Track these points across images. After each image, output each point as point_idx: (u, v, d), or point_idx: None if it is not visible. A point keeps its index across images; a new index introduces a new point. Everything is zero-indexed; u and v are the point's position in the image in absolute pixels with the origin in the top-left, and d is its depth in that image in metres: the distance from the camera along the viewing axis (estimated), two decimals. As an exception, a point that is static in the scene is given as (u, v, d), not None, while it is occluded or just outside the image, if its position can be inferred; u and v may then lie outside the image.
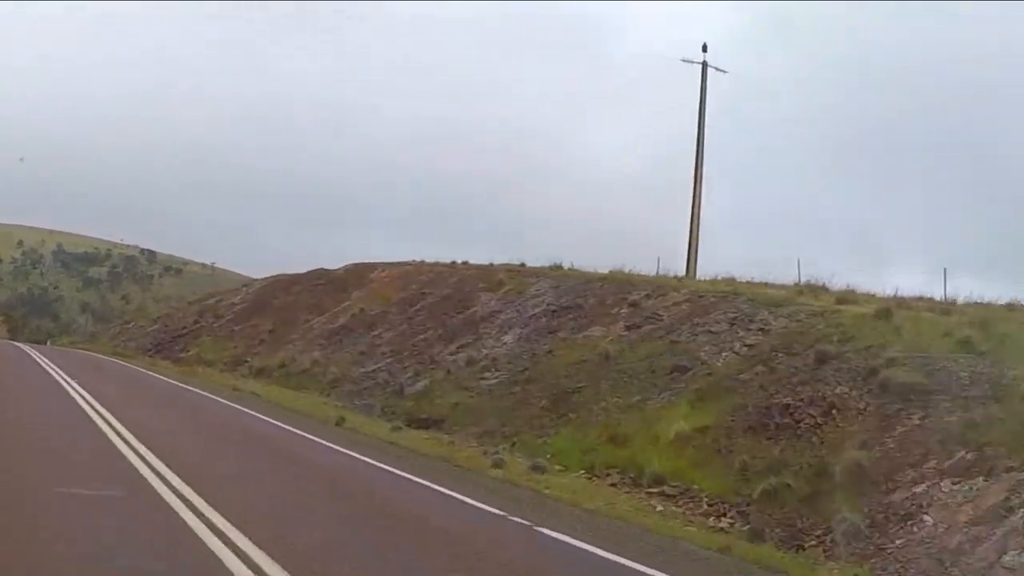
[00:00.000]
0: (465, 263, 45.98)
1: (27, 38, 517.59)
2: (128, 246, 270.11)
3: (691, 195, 43.58)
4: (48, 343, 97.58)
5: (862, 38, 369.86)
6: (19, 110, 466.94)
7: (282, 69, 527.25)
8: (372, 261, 52.36)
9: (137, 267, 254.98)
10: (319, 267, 56.29)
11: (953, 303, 26.08)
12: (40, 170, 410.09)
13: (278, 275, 61.25)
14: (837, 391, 19.17)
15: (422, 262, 48.47)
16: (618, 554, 11.75)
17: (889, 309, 23.13)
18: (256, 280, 66.22)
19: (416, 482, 16.57)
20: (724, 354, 24.04)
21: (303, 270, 58.50)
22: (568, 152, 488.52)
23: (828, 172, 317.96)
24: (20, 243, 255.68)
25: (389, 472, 17.57)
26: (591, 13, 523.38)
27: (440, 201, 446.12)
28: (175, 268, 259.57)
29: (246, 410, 27.50)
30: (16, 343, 69.63)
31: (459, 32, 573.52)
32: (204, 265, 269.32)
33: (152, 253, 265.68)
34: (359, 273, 50.64)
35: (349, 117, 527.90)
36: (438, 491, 15.79)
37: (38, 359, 38.22)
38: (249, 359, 43.68)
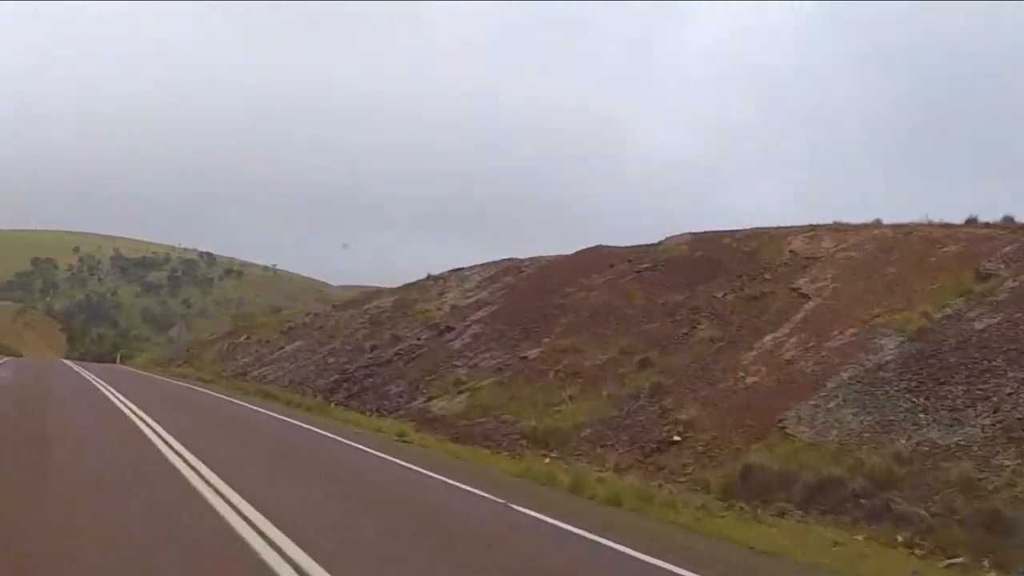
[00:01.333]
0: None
1: (79, 41, 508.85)
2: (186, 249, 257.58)
3: None
4: (118, 359, 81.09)
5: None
6: (73, 115, 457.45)
7: (339, 73, 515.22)
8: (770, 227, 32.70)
9: (197, 270, 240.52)
10: (596, 244, 37.82)
11: None
12: (93, 176, 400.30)
13: (506, 261, 42.23)
14: None
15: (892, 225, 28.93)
16: None
17: None
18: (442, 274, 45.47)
19: None
20: None
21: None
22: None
23: None
24: (76, 249, 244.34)
25: None
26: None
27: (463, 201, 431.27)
28: (236, 271, 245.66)
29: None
30: (78, 365, 53.53)
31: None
32: (266, 268, 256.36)
33: (211, 256, 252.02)
34: (767, 249, 30.68)
35: (392, 121, 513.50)
36: None
37: (163, 436, 18.28)
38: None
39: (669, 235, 35.53)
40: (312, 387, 33.97)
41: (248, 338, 55.12)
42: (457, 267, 45.15)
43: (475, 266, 43.65)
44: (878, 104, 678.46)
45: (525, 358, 27.21)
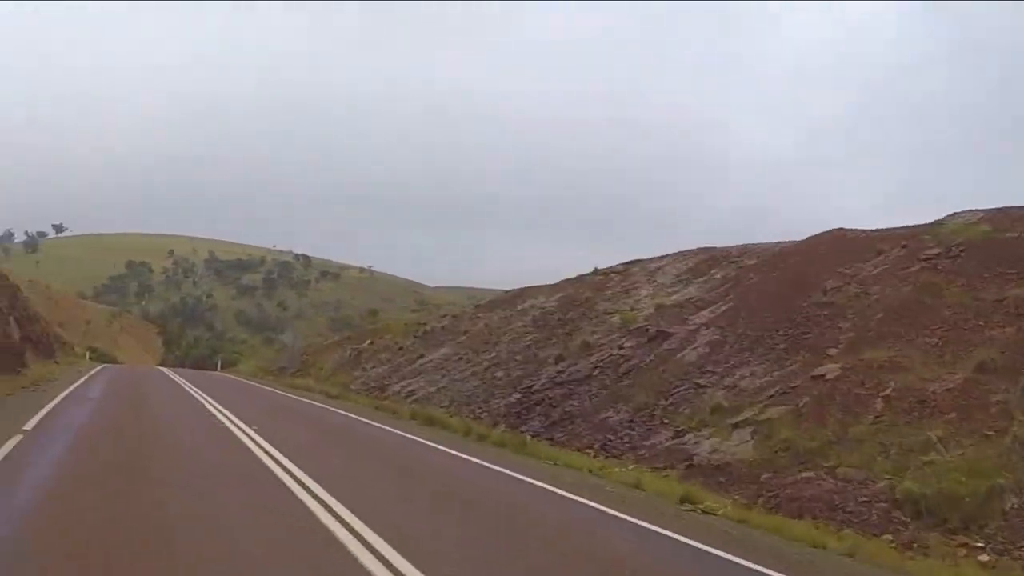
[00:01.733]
0: None
1: (181, 40, 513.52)
2: (282, 252, 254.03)
3: None
4: (219, 366, 74.63)
5: None
6: (168, 119, 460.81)
7: (443, 74, 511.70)
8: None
9: (292, 273, 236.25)
10: (836, 228, 28.89)
11: None
12: (188, 179, 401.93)
13: (703, 251, 33.81)
14: None
15: None
16: None
17: None
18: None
19: None
20: None
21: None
22: None
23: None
24: (171, 252, 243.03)
25: None
26: None
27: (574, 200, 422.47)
28: (332, 273, 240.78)
29: None
30: (176, 374, 46.71)
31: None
32: (361, 269, 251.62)
33: (307, 258, 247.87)
34: None
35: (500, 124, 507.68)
36: None
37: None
38: None
39: (954, 212, 26.82)
40: (486, 409, 25.88)
41: (373, 343, 47.52)
42: (632, 259, 36.90)
43: (662, 257, 35.27)
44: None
45: (820, 378, 18.72)
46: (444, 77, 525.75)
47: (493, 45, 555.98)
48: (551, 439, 20.94)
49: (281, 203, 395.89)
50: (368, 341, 48.52)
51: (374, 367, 41.28)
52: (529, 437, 20.75)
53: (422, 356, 38.16)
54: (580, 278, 38.17)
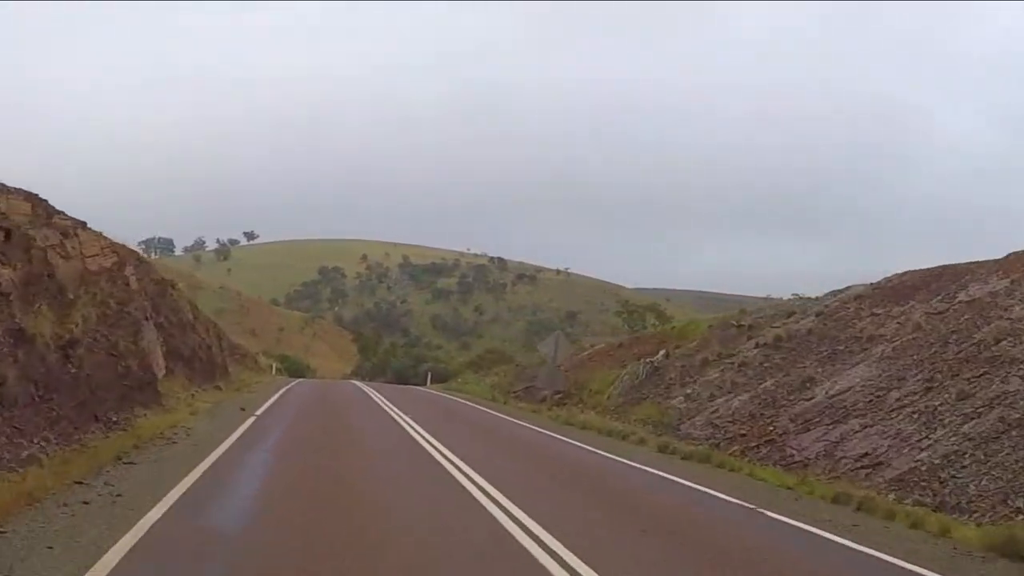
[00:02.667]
0: None
1: (365, 45, 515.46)
2: (476, 255, 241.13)
3: None
4: (428, 381, 59.37)
5: None
6: (357, 123, 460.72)
7: (633, 72, 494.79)
8: None
9: (488, 276, 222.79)
10: None
11: None
12: (379, 184, 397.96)
13: None
14: None
15: None
16: None
17: None
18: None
19: None
20: None
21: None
22: None
23: None
24: (364, 257, 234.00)
25: None
26: None
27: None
28: (528, 275, 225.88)
29: None
30: (383, 397, 32.07)
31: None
32: (558, 271, 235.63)
33: (502, 261, 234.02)
34: None
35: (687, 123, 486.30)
36: None
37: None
38: None
39: None
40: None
41: (669, 355, 30.18)
42: None
43: None
44: None
45: None
46: (641, 72, 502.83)
47: (683, 41, 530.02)
48: None
49: (474, 206, 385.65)
50: (662, 352, 31.08)
51: (713, 396, 23.79)
52: None
53: (812, 380, 20.40)
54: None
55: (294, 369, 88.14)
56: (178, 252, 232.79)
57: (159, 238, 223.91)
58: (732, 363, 25.44)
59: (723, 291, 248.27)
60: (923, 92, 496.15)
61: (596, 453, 18.75)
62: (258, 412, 20.82)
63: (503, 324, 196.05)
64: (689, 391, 24.82)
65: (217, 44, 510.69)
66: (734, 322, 30.47)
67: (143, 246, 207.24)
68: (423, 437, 18.08)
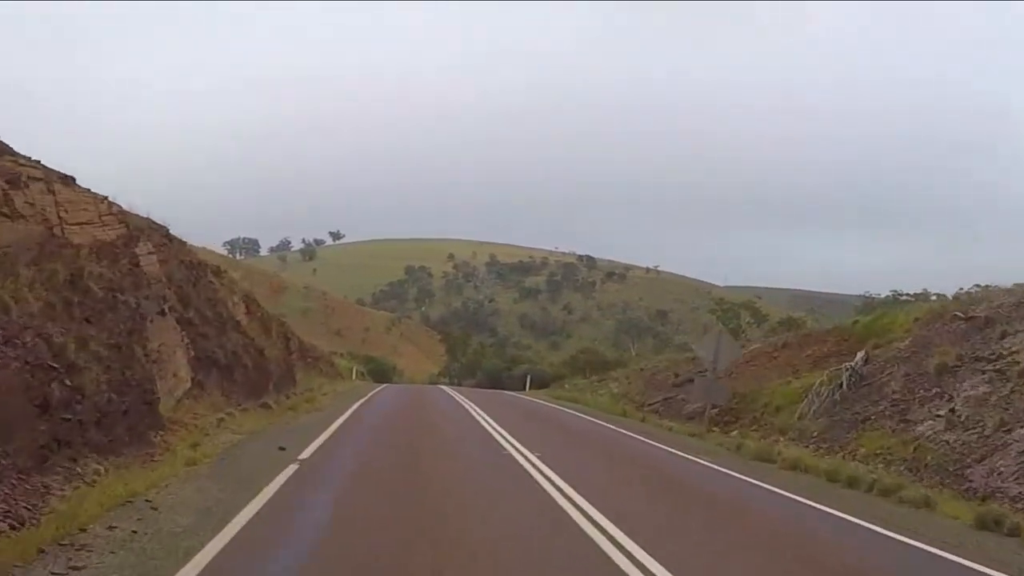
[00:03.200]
0: None
1: (437, 37, 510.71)
2: (564, 253, 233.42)
3: None
4: (528, 384, 51.83)
5: None
6: (439, 122, 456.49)
7: (708, 67, 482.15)
8: None
9: (576, 274, 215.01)
10: None
11: None
12: (465, 183, 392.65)
13: None
14: None
15: None
16: None
17: None
18: None
19: None
20: None
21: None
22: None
23: None
24: (451, 256, 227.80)
25: None
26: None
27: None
28: (617, 274, 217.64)
29: None
30: (481, 411, 25.83)
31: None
32: (647, 269, 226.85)
33: (591, 259, 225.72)
34: None
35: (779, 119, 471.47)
36: None
37: None
38: None
39: None
40: None
41: (869, 358, 21.99)
42: None
43: None
44: None
45: None
46: (724, 70, 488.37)
47: (761, 37, 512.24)
48: None
49: (561, 204, 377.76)
50: (860, 355, 22.85)
51: (1005, 423, 15.48)
52: None
53: None
54: None
55: (379, 372, 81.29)
56: (263, 253, 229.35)
57: (244, 239, 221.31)
58: (999, 370, 17.20)
59: (816, 289, 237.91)
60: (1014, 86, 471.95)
61: (871, 531, 10.83)
62: (306, 454, 13.20)
63: (592, 323, 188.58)
64: (943, 412, 16.66)
65: (301, 44, 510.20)
66: (960, 313, 22.05)
67: (228, 247, 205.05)
68: (574, 502, 10.46)
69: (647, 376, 33.48)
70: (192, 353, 17.13)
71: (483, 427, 19.81)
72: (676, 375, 29.25)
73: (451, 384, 68.84)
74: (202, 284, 20.56)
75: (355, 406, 24.20)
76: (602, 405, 30.13)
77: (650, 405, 27.44)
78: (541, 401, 34.71)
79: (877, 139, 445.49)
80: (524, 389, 49.75)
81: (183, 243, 21.24)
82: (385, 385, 44.81)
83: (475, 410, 25.17)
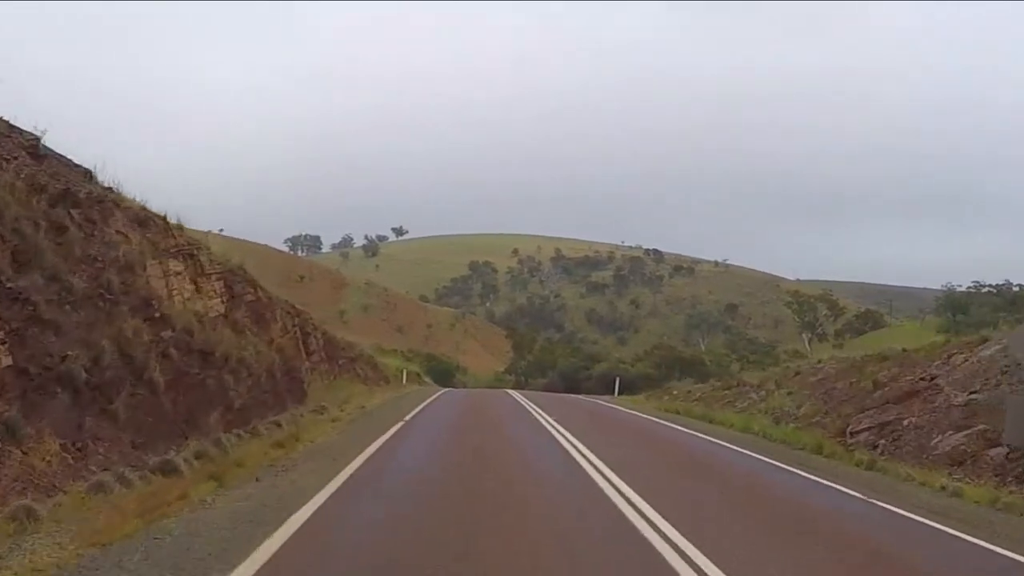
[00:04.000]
0: None
1: (500, 34, 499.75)
2: (631, 247, 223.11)
3: None
4: (617, 389, 41.19)
5: None
6: (505, 116, 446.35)
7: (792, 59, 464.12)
8: None
9: (644, 269, 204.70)
10: None
11: None
12: (529, 177, 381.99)
13: None
14: None
15: None
16: None
17: None
18: None
19: None
20: None
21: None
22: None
23: None
24: (515, 251, 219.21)
25: None
26: None
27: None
28: (686, 267, 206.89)
29: None
30: (573, 439, 15.87)
31: None
32: (716, 263, 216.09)
33: (658, 253, 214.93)
34: None
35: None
36: None
37: None
38: None
39: None
40: None
41: None
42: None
43: None
44: None
45: None
46: (795, 61, 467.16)
47: (838, 29, 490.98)
48: None
49: (626, 198, 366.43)
50: None
51: None
52: None
53: None
54: None
55: (440, 372, 71.79)
56: (325, 249, 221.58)
57: (306, 235, 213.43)
58: None
59: (886, 282, 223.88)
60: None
61: None
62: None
63: (661, 318, 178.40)
64: None
65: (366, 42, 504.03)
66: None
67: (288, 243, 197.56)
68: None
69: (814, 382, 22.32)
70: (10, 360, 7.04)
71: (607, 497, 9.52)
72: (876, 384, 18.38)
73: (519, 386, 58.33)
74: (95, 237, 10.42)
75: (393, 430, 14.43)
76: (770, 432, 19.05)
77: (854, 435, 16.62)
78: (653, 418, 23.97)
79: (953, 129, 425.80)
80: (613, 394, 39.26)
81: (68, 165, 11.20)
82: (441, 392, 34.85)
83: (571, 442, 14.83)
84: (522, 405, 26.79)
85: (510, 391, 40.71)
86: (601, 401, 33.37)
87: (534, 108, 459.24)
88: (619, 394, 39.86)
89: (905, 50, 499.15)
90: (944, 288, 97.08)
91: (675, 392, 33.47)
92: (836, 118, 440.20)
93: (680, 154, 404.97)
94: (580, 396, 39.15)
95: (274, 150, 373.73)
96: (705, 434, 19.67)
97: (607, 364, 57.31)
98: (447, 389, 39.95)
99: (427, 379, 52.76)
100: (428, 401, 26.42)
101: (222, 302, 15.61)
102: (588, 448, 14.19)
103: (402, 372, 40.75)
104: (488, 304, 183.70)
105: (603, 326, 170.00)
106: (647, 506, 9.05)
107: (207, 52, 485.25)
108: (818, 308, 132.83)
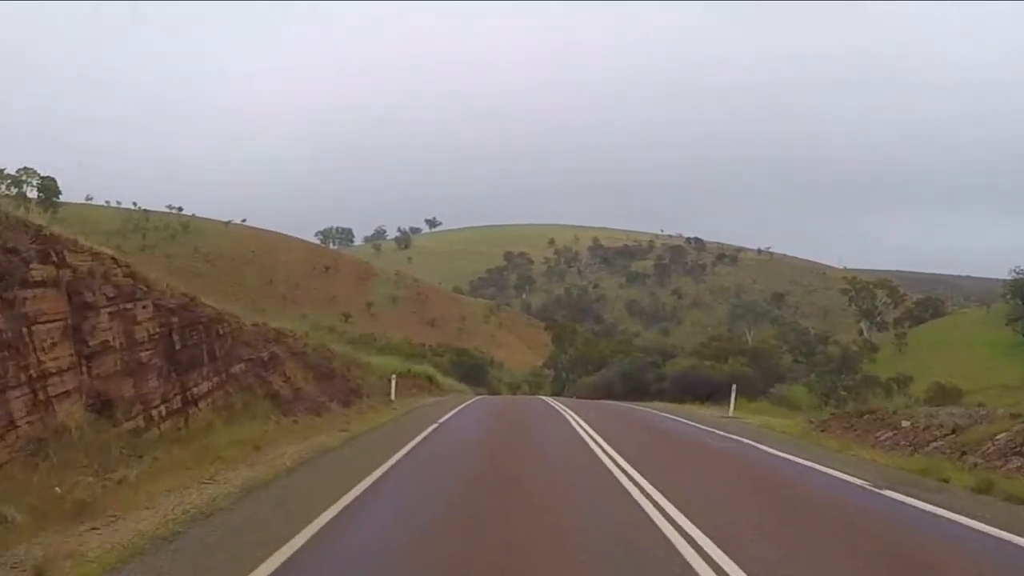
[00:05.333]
0: None
1: (539, 20, 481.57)
2: (672, 236, 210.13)
3: None
4: (733, 404, 25.91)
5: None
6: (539, 107, 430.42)
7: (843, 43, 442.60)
8: None
9: (685, 257, 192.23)
10: None
11: None
12: (563, 167, 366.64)
13: None
14: None
15: None
16: None
17: None
18: None
19: None
20: None
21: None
22: None
23: None
24: (551, 242, 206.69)
25: None
26: None
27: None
28: (729, 256, 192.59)
29: None
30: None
31: None
32: (759, 251, 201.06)
33: (700, 242, 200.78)
34: None
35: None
36: None
37: None
38: None
39: None
40: None
41: None
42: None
43: None
44: None
45: None
46: (839, 47, 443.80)
47: (883, 12, 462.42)
48: None
49: (665, 187, 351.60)
50: None
51: None
52: None
53: None
54: None
55: (470, 369, 58.41)
56: (357, 242, 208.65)
57: (337, 228, 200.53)
58: None
59: (933, 271, 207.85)
60: None
61: None
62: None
63: (705, 308, 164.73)
64: None
65: (399, 33, 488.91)
66: None
67: (320, 236, 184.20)
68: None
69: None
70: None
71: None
72: None
73: (560, 384, 43.46)
74: None
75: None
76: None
77: None
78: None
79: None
80: (727, 408, 24.02)
81: None
82: (448, 416, 19.13)
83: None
84: (600, 460, 11.50)
85: (562, 408, 25.00)
86: (750, 441, 16.58)
87: (571, 98, 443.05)
88: (734, 410, 24.74)
89: (958, 35, 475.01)
90: (1015, 272, 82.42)
91: (895, 416, 15.40)
92: (876, 106, 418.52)
93: (720, 142, 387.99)
94: (671, 415, 23.83)
95: (305, 143, 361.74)
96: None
97: (688, 362, 40.53)
98: (466, 404, 25.10)
99: (447, 381, 37.97)
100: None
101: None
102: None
103: (392, 380, 24.19)
104: (524, 296, 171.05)
105: (644, 317, 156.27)
106: None
107: (242, 45, 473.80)
108: (876, 295, 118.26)
